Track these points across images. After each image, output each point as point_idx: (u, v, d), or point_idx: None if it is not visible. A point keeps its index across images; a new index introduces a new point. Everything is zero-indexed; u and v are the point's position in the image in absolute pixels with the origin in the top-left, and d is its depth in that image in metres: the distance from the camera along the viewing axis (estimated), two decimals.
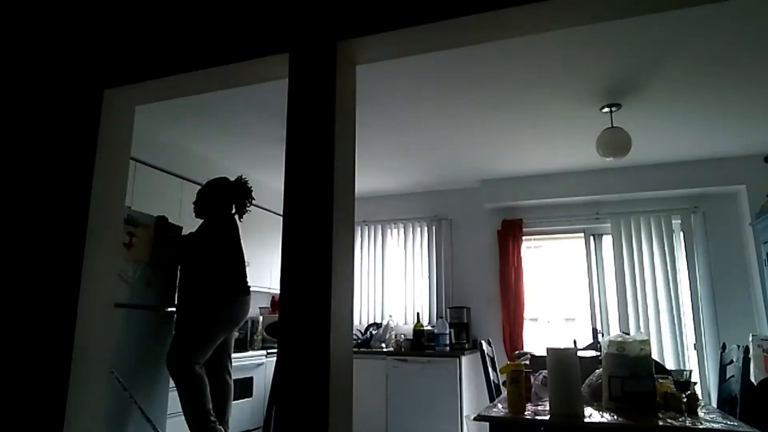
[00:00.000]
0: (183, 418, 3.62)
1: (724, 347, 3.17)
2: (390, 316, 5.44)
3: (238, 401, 4.23)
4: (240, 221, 3.45)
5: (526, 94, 3.26)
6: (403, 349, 4.86)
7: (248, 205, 3.43)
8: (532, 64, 2.88)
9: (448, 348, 4.74)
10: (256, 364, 4.49)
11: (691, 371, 2.21)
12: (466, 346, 4.89)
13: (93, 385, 1.52)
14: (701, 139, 4.05)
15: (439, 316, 5.14)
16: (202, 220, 3.37)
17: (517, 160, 4.59)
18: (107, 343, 1.58)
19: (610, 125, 3.49)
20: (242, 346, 4.76)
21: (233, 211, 3.42)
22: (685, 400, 2.17)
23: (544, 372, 2.45)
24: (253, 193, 3.46)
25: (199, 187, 4.33)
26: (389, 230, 5.73)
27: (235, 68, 1.52)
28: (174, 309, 3.52)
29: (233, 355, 4.26)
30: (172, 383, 3.40)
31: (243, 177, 3.47)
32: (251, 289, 4.99)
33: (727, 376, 2.90)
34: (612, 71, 2.97)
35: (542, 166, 4.76)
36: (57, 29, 1.75)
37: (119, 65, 1.62)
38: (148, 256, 3.18)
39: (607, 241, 5.02)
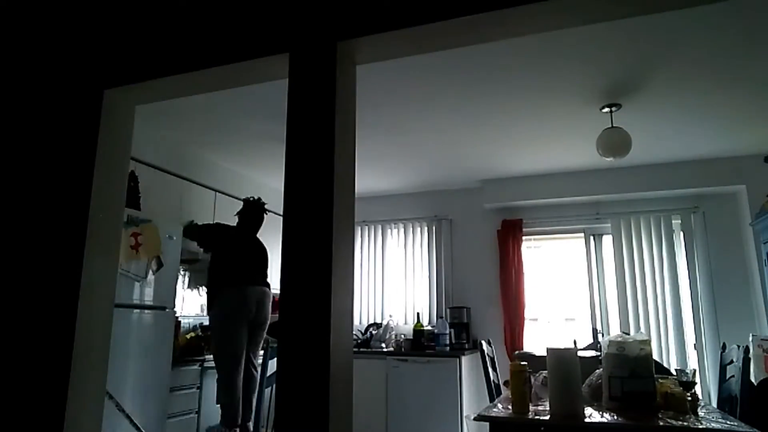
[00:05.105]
0: (183, 418, 3.63)
1: (724, 347, 3.16)
2: (390, 316, 5.44)
3: None
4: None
5: (526, 94, 3.26)
6: (403, 349, 4.86)
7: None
8: (532, 64, 2.88)
9: (448, 348, 4.74)
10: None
11: (695, 371, 2.21)
12: (466, 346, 4.89)
13: (93, 386, 1.52)
14: (701, 139, 4.04)
15: (439, 316, 5.14)
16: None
17: (517, 160, 4.58)
18: (107, 344, 1.58)
19: (610, 125, 3.49)
20: None
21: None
22: (690, 399, 2.17)
23: (544, 372, 2.45)
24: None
25: (199, 186, 4.36)
26: (389, 230, 5.73)
27: (235, 68, 1.52)
28: (174, 309, 3.52)
29: None
30: (171, 383, 3.40)
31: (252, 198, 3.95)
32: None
33: (727, 376, 2.90)
34: (612, 71, 2.97)
35: (542, 166, 4.76)
36: (57, 29, 1.75)
37: (119, 65, 1.62)
38: (157, 250, 3.19)
39: (607, 241, 5.02)
